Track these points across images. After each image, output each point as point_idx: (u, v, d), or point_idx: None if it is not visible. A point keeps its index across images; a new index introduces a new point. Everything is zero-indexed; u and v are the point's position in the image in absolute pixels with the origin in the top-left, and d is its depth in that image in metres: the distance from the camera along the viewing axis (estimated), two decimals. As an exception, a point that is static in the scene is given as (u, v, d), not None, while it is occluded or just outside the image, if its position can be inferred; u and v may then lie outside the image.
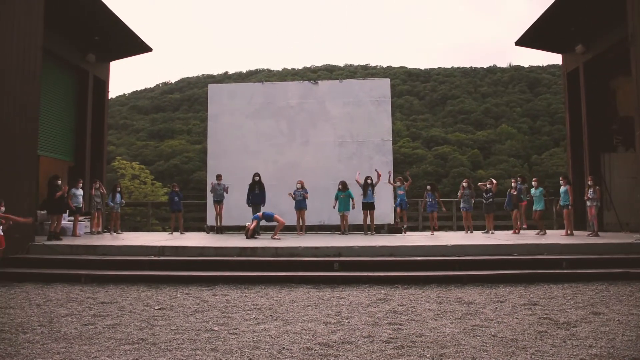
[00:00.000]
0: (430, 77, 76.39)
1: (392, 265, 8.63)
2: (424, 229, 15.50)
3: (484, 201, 13.30)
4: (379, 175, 12.94)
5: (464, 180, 13.90)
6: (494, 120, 61.63)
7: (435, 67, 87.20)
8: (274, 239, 11.29)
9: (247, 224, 12.05)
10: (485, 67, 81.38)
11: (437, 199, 13.29)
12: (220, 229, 13.63)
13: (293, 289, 7.50)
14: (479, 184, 14.08)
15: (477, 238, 11.34)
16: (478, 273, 8.09)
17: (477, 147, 55.11)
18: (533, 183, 12.81)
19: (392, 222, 13.87)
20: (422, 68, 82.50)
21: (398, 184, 13.58)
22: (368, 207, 12.89)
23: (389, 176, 13.52)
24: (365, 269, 8.52)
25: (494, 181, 13.44)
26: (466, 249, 9.33)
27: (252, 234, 11.76)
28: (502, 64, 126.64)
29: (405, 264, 8.64)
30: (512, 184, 12.92)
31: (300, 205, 12.97)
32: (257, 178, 13.08)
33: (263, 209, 12.56)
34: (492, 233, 12.90)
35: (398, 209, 13.58)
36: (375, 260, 8.88)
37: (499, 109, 63.65)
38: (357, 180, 12.91)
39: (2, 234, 8.29)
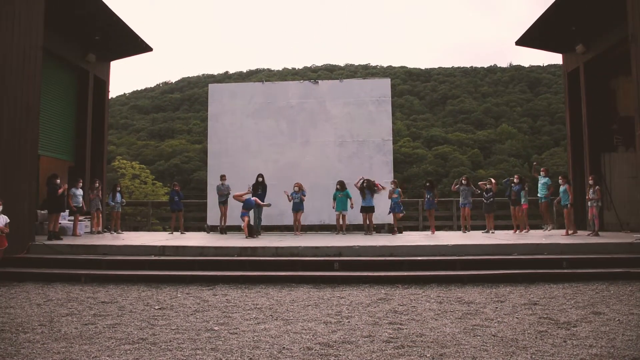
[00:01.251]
0: (430, 76, 76.41)
1: (393, 265, 8.63)
2: (424, 228, 15.47)
3: (484, 201, 13.26)
4: (377, 185, 12.87)
5: (463, 177, 13.73)
6: (494, 120, 61.64)
7: (436, 66, 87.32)
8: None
9: (242, 224, 12.09)
10: (485, 66, 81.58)
11: (435, 197, 13.23)
12: (224, 230, 13.59)
13: (293, 288, 7.50)
14: (479, 182, 13.97)
15: (477, 238, 11.32)
16: (478, 273, 8.09)
17: (477, 147, 55.12)
18: (541, 173, 12.88)
19: (392, 222, 13.83)
20: (423, 68, 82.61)
21: (392, 186, 13.32)
22: (367, 210, 12.88)
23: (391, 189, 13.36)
24: (366, 268, 8.52)
25: (493, 181, 13.42)
26: (466, 248, 9.32)
27: (250, 232, 11.78)
28: (503, 63, 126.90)
29: (405, 263, 8.64)
30: (515, 181, 12.94)
31: (298, 208, 12.95)
32: (260, 179, 13.06)
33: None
34: (492, 233, 12.89)
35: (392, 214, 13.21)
36: (375, 260, 8.88)
37: (499, 109, 63.66)
38: (355, 185, 12.91)
39: (2, 233, 8.30)
